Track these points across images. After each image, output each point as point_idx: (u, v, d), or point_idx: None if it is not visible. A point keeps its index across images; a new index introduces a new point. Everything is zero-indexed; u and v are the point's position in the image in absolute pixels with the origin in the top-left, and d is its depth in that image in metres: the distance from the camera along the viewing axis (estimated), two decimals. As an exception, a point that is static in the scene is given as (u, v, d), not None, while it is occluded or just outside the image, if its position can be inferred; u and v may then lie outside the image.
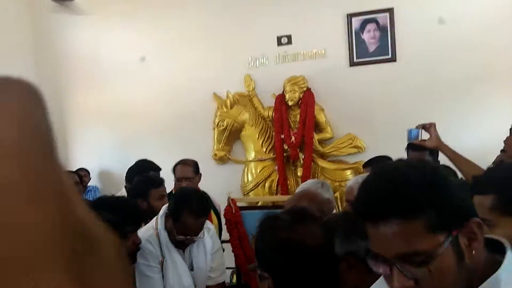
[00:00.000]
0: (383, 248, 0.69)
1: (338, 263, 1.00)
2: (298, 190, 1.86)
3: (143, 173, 2.54)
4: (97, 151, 4.33)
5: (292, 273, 0.94)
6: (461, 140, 3.38)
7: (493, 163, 2.22)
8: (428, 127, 1.87)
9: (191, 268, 1.93)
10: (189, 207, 1.78)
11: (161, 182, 2.31)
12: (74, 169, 3.79)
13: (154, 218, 1.93)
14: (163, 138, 4.09)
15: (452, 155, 1.79)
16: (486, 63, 3.46)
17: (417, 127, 1.93)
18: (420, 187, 0.66)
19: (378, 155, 2.73)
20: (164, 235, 1.86)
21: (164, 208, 1.93)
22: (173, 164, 2.79)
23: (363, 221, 0.73)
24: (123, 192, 2.61)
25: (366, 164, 2.68)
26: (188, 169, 2.71)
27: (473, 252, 0.68)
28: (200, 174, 2.79)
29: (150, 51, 4.13)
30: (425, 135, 1.96)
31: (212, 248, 2.03)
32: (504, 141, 1.80)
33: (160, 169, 2.80)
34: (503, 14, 3.41)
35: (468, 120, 3.49)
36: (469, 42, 3.47)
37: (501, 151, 2.07)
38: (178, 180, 2.66)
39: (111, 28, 4.22)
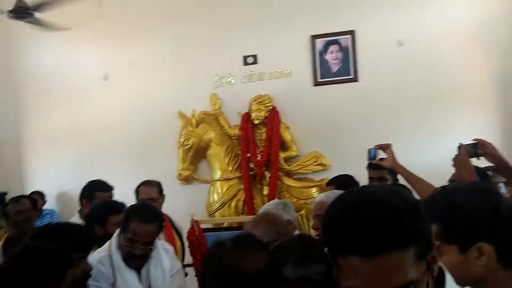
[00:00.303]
0: (377, 283, 0.63)
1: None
2: (259, 211, 1.85)
3: (92, 195, 2.46)
4: (56, 173, 4.16)
5: None
6: (423, 157, 3.49)
7: (448, 180, 2.29)
8: (384, 147, 1.94)
9: None
10: (137, 214, 1.78)
11: (121, 209, 2.22)
12: (29, 192, 3.60)
13: (108, 241, 1.88)
14: (126, 158, 3.98)
15: (407, 175, 1.85)
16: (443, 83, 3.61)
17: (374, 148, 1.99)
18: (412, 214, 0.64)
19: (343, 173, 2.78)
20: (116, 255, 1.82)
21: (118, 229, 1.88)
22: (137, 185, 2.72)
23: (341, 257, 0.64)
24: (76, 218, 2.50)
25: (330, 183, 2.70)
26: (152, 189, 2.65)
27: (434, 274, 0.69)
28: (164, 195, 2.73)
29: (113, 69, 4.05)
30: (384, 155, 2.02)
31: (171, 269, 1.97)
32: (452, 159, 1.84)
33: (112, 189, 2.71)
34: (456, 36, 3.59)
35: (429, 137, 3.61)
36: (427, 63, 3.63)
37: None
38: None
39: (73, 45, 4.12)
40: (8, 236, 2.40)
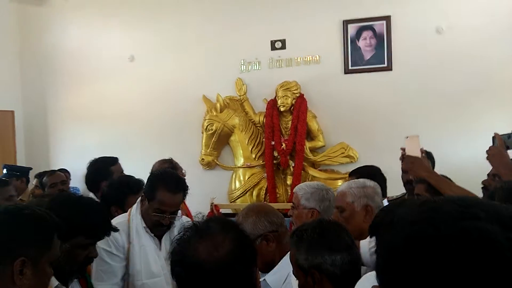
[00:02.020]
0: None
1: (249, 278, 0.93)
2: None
3: (102, 173, 2.41)
4: (82, 151, 4.18)
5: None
6: (455, 153, 3.29)
7: (487, 175, 2.12)
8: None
9: None
10: (164, 183, 1.73)
11: (139, 187, 2.16)
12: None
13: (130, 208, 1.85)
14: (150, 140, 3.96)
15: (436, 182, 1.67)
16: (483, 76, 3.38)
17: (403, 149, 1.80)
18: None
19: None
20: (136, 220, 1.79)
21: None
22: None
23: None
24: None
25: (353, 173, 2.53)
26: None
27: None
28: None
29: (139, 50, 4.01)
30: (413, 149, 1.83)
31: None
32: (486, 151, 1.69)
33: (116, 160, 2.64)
34: (501, 27, 3.33)
35: (463, 133, 3.40)
36: (466, 53, 3.40)
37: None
38: None
39: (99, 25, 4.11)
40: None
